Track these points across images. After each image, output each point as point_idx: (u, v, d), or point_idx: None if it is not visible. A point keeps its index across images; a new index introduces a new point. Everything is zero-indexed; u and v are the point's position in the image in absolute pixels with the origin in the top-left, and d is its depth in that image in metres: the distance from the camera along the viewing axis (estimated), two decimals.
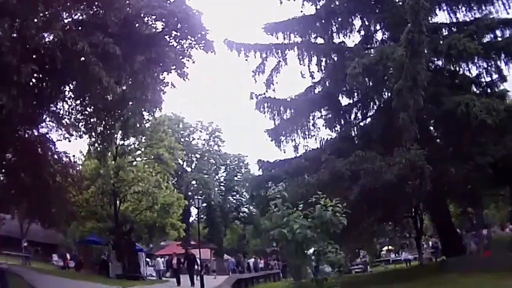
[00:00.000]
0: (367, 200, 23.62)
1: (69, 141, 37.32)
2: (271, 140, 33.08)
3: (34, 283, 30.89)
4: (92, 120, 31.57)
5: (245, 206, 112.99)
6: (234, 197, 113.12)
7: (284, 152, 33.09)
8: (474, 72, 31.32)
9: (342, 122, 33.14)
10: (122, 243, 48.05)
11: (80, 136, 35.69)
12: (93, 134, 32.50)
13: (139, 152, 53.73)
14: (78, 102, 30.82)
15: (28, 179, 36.49)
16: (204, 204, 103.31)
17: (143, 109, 28.50)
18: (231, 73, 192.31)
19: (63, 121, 35.76)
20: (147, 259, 59.56)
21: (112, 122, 30.78)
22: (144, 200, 50.97)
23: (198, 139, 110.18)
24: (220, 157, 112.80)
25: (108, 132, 31.62)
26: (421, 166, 23.61)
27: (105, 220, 50.94)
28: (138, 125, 30.77)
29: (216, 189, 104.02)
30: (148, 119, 31.61)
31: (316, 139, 33.16)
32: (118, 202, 50.03)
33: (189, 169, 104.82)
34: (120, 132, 36.22)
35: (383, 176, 24.14)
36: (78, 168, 43.86)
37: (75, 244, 66.21)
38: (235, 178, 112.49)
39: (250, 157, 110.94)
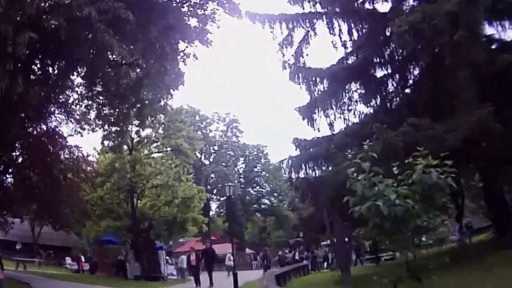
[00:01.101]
0: None
1: (81, 135, 36.14)
2: (303, 119, 30.13)
3: None
4: (104, 109, 29.15)
5: (266, 197, 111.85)
6: (254, 189, 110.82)
7: (319, 131, 30.13)
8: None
9: (378, 95, 30.07)
10: (140, 241, 45.50)
11: (93, 130, 34.34)
12: (107, 124, 29.95)
13: (156, 144, 51.08)
14: (88, 89, 28.42)
15: (37, 178, 35.27)
16: (224, 198, 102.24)
17: (161, 86, 25.55)
18: (246, 57, 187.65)
19: (73, 112, 34.16)
20: (167, 257, 57.12)
21: (126, 110, 28.12)
22: (163, 194, 48.75)
23: (215, 130, 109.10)
24: (239, 148, 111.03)
25: (123, 121, 29.06)
26: (492, 127, 20.43)
27: (121, 218, 48.26)
28: (156, 105, 27.83)
29: (236, 181, 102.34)
30: (166, 102, 28.59)
31: (354, 113, 30.23)
32: (135, 198, 47.73)
33: (207, 162, 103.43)
34: (135, 121, 33.73)
35: (445, 143, 21.00)
36: (91, 164, 41.78)
37: (90, 245, 64.27)
38: (255, 169, 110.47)
39: (270, 147, 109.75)
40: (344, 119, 29.73)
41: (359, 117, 29.94)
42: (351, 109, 29.75)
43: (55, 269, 53.19)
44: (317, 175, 28.75)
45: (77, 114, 35.03)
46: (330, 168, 26.35)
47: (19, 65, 19.07)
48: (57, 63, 24.98)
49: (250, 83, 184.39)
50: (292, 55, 30.58)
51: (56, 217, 37.67)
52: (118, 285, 34.56)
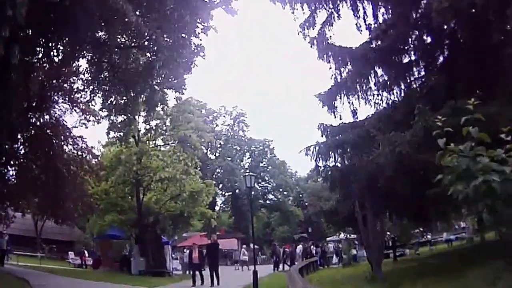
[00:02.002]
0: None
1: (86, 127, 35.58)
2: (323, 106, 28.10)
3: None
4: (111, 96, 27.34)
5: (271, 193, 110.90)
6: (260, 184, 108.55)
7: (340, 119, 28.19)
8: None
9: (407, 79, 27.88)
10: (146, 236, 43.93)
11: (98, 122, 33.80)
12: (113, 114, 28.48)
13: (163, 136, 49.16)
14: (94, 74, 26.54)
15: (39, 171, 34.53)
16: (230, 193, 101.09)
17: (179, 60, 23.39)
18: (255, 45, 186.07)
19: (78, 101, 32.93)
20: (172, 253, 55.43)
21: (134, 97, 26.41)
22: (170, 188, 46.84)
23: (222, 124, 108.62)
24: (245, 142, 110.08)
25: (130, 109, 27.51)
26: None
27: (126, 212, 46.65)
28: (172, 82, 25.60)
29: (242, 176, 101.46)
30: (183, 78, 26.09)
31: (382, 98, 28.19)
32: (141, 192, 46.00)
33: (213, 157, 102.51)
34: (143, 112, 32.21)
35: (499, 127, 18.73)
36: (96, 156, 40.24)
37: (93, 240, 62.61)
38: (261, 164, 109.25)
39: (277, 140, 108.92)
40: (375, 103, 27.73)
41: (386, 103, 28.03)
42: (379, 94, 27.80)
43: (57, 263, 52.16)
44: (346, 163, 26.82)
45: (82, 103, 33.63)
46: (362, 156, 24.19)
47: (19, 33, 17.02)
48: (62, 43, 23.08)
49: (258, 73, 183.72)
50: (315, 36, 28.69)
51: (59, 211, 36.04)
52: (122, 281, 32.30)
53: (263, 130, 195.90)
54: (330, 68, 27.64)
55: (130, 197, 47.45)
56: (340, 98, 27.62)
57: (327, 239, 77.88)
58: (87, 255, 55.32)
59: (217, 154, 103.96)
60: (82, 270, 48.60)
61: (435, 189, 19.11)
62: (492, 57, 20.94)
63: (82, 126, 35.36)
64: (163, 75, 24.39)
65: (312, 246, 58.93)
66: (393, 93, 28.19)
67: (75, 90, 31.08)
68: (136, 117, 35.08)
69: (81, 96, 31.92)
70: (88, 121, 35.05)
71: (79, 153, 35.92)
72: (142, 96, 26.18)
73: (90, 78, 27.48)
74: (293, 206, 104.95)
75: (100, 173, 40.76)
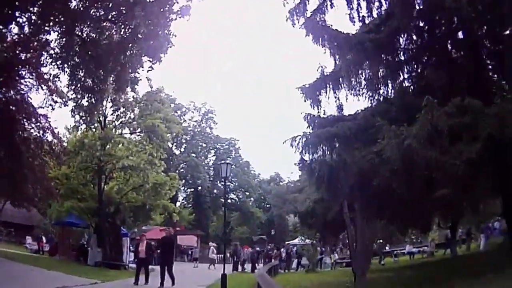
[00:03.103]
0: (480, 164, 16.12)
1: (53, 108, 32.01)
2: (305, 100, 25.78)
3: None
4: (78, 71, 24.80)
5: (233, 192, 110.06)
6: (222, 183, 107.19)
7: (324, 114, 25.93)
8: None
9: (403, 73, 25.68)
10: (105, 226, 42.04)
11: (65, 104, 30.59)
12: (80, 93, 25.99)
13: (130, 124, 46.69)
14: (63, 47, 23.82)
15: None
16: (192, 189, 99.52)
17: (160, 20, 21.20)
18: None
19: (44, 76, 29.89)
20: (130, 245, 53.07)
21: (104, 75, 24.42)
22: (133, 178, 44.74)
23: (190, 120, 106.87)
24: (212, 140, 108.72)
25: (98, 89, 25.30)
26: None
27: (86, 200, 44.44)
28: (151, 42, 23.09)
29: (206, 174, 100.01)
30: (167, 38, 23.52)
31: (373, 94, 26.06)
32: (103, 180, 43.81)
33: (178, 152, 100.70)
34: (111, 95, 31.40)
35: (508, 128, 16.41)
36: (59, 138, 37.49)
37: (52, 226, 60.60)
38: None
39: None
40: (369, 96, 25.65)
41: (377, 98, 25.92)
42: (371, 89, 25.61)
43: (14, 248, 49.65)
44: (334, 158, 24.32)
45: (49, 80, 31.07)
46: (353, 151, 21.83)
47: None
48: (33, 12, 21.73)
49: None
50: (308, 17, 26.38)
51: (16, 193, 33.98)
52: (74, 272, 30.09)
53: (230, 128, 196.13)
54: (325, 52, 25.36)
55: (91, 184, 45.14)
56: (326, 92, 25.49)
57: (286, 242, 76.27)
58: (44, 241, 53.72)
59: (182, 149, 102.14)
60: (38, 256, 46.72)
61: (443, 191, 17.26)
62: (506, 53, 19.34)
63: (48, 107, 32.45)
64: (138, 38, 21.87)
65: (282, 249, 58.00)
66: (380, 89, 26.30)
67: (42, 63, 28.55)
68: (104, 101, 34.41)
69: (48, 71, 29.62)
70: (55, 102, 32.11)
71: (41, 131, 33.19)
72: (112, 76, 24.26)
73: (59, 52, 25.03)
74: (255, 207, 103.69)
75: (62, 157, 38.02)
